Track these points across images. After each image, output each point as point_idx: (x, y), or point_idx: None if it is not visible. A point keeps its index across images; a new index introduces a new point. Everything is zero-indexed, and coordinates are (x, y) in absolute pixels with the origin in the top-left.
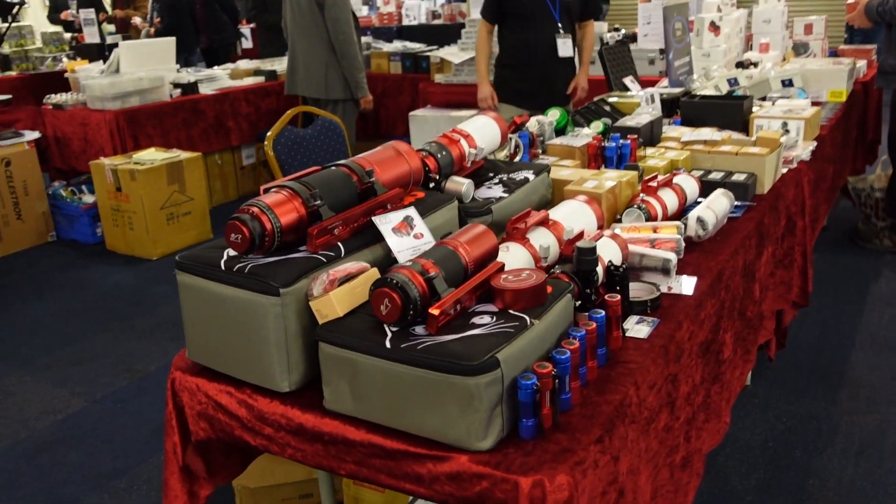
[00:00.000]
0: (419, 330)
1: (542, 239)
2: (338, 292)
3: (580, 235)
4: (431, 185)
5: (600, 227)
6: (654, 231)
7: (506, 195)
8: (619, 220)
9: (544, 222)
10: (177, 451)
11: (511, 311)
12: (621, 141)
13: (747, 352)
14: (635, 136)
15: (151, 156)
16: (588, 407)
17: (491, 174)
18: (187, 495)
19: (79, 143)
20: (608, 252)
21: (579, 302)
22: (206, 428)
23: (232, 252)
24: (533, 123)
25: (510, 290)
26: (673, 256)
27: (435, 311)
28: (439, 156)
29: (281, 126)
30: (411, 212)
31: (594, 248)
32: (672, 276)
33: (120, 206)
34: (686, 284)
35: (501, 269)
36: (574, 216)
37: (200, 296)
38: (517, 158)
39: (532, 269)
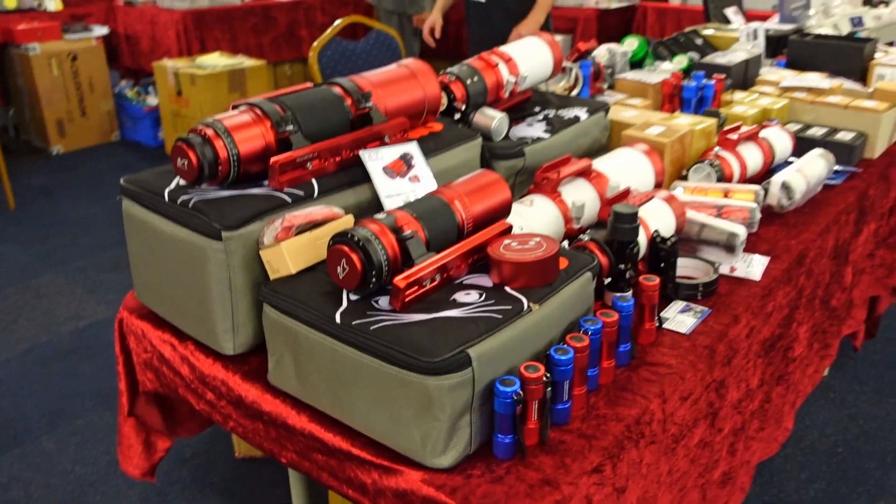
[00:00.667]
0: (383, 302)
1: (578, 194)
2: (292, 243)
3: (624, 194)
4: (456, 116)
5: (658, 185)
6: (725, 195)
7: (547, 136)
8: (685, 178)
9: (585, 173)
10: (123, 399)
11: (507, 290)
12: (705, 81)
13: (827, 346)
14: (723, 76)
15: (214, 61)
16: (593, 422)
17: (537, 108)
18: (143, 445)
19: (147, 43)
20: (658, 218)
21: (609, 280)
22: (152, 379)
23: (182, 181)
24: (602, 52)
25: (507, 261)
26: (742, 230)
27: (400, 283)
28: (469, 82)
29: (329, 36)
30: (411, 148)
31: (635, 214)
32: (738, 254)
33: (180, 111)
34: (755, 266)
35: (507, 231)
36: (625, 168)
37: (142, 229)
38: (575, 92)
39: (544, 236)
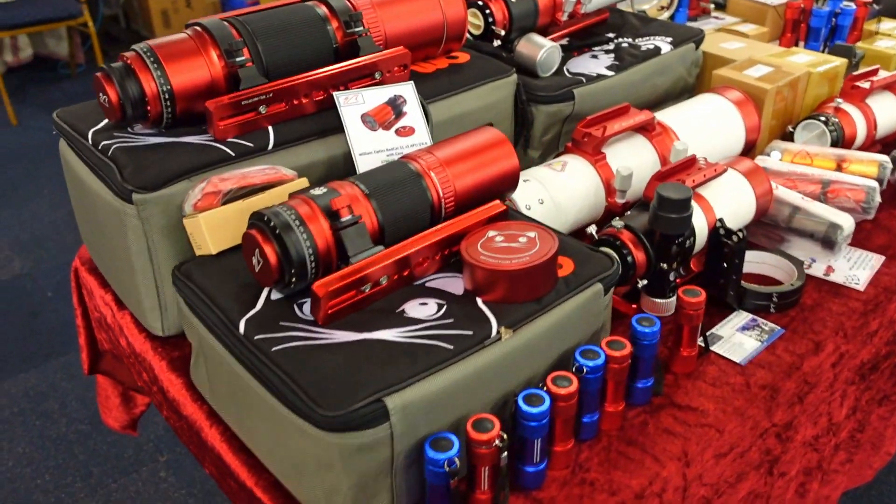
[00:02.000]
0: (307, 309)
1: (629, 157)
2: (214, 214)
3: (689, 163)
4: (496, 44)
5: (751, 146)
6: (839, 166)
7: (611, 73)
8: (790, 137)
9: (646, 128)
10: (84, 356)
11: (479, 303)
12: (844, 4)
13: None
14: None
15: None
16: (577, 489)
17: (611, 35)
18: (120, 398)
19: None
20: (728, 200)
21: (645, 282)
22: (105, 339)
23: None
24: None
25: (481, 267)
26: (848, 221)
27: (320, 289)
28: (513, 1)
29: None
30: (405, 90)
31: (686, 201)
32: (839, 251)
33: None
34: (862, 268)
35: (501, 216)
36: (704, 123)
37: (73, 175)
38: (666, 14)
39: (545, 229)
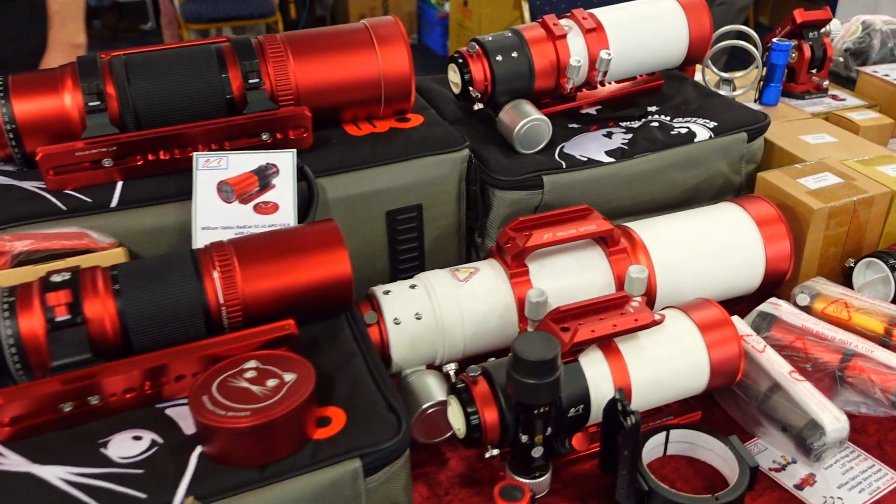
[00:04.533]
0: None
1: (563, 277)
2: None
3: (614, 302)
4: (477, 107)
5: (779, 279)
6: (887, 331)
7: (608, 160)
8: (849, 275)
9: (606, 241)
10: None
11: (196, 453)
12: None
13: None
14: None
15: None
16: None
17: (652, 109)
18: None
19: None
20: (661, 360)
21: (496, 451)
22: None
23: None
24: (848, 29)
25: (193, 414)
26: (837, 424)
27: None
28: (499, 58)
29: None
30: (280, 158)
31: (550, 363)
32: (818, 459)
33: (464, 22)
34: (857, 490)
35: (286, 341)
36: (705, 246)
37: None
38: (739, 92)
39: (308, 369)
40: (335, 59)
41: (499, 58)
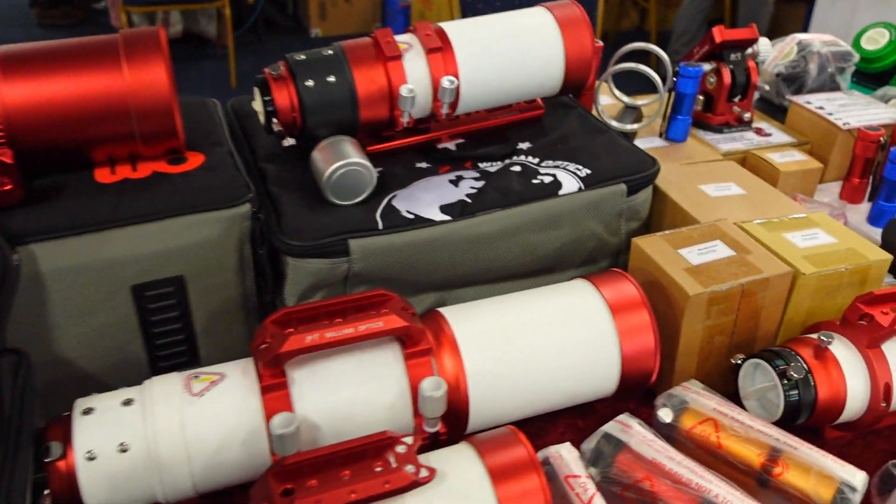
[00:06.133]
0: None
1: (342, 388)
2: None
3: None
4: (286, 143)
5: (638, 386)
6: (765, 466)
7: (443, 217)
8: (737, 374)
9: (403, 340)
10: None
11: None
12: None
13: None
14: None
15: None
16: None
17: (523, 147)
18: None
19: None
20: None
21: None
22: None
23: None
24: (781, 50)
25: None
26: None
27: None
28: (309, 83)
29: None
30: None
31: None
32: None
33: (424, 11)
34: None
35: None
36: (536, 338)
37: None
38: (640, 126)
39: None
40: (65, 79)
41: (309, 83)
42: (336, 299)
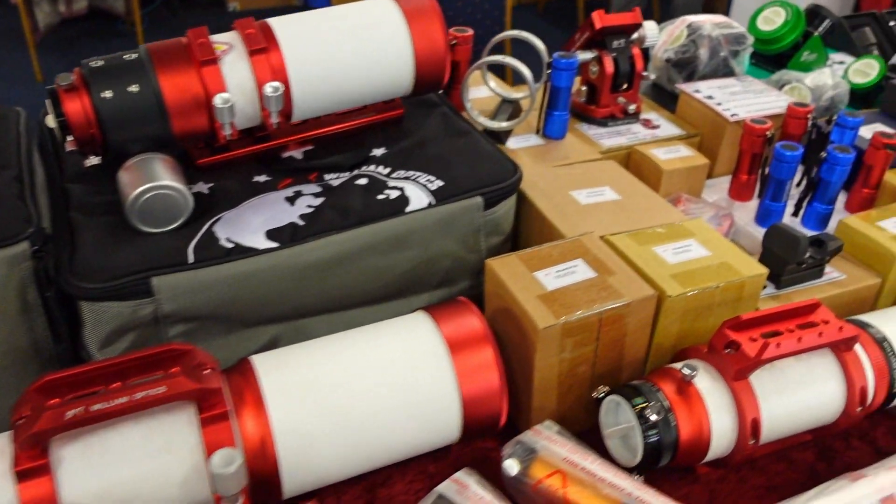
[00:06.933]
0: None
1: (110, 467)
2: None
3: None
4: (88, 163)
5: (486, 430)
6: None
7: (269, 244)
8: (596, 409)
9: (202, 405)
10: None
11: None
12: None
13: None
14: None
15: None
16: None
17: (376, 154)
18: None
19: None
20: None
21: None
22: None
23: None
24: (651, 28)
25: None
26: None
27: None
28: (109, 93)
29: None
30: None
31: None
32: None
33: None
34: None
35: None
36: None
37: None
38: (506, 124)
39: None
40: None
41: (106, 93)
42: (117, 358)
